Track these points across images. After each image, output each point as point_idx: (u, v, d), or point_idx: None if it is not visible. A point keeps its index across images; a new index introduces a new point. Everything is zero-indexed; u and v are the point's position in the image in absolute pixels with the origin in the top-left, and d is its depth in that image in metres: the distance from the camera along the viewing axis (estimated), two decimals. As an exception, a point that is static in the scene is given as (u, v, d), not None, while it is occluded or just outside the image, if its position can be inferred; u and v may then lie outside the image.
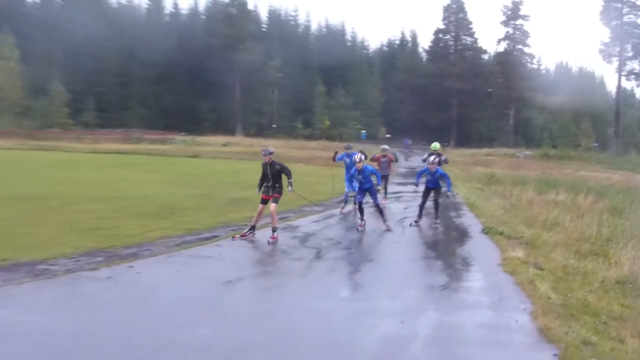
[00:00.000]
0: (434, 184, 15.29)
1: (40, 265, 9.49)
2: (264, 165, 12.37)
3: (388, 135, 70.14)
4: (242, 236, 12.40)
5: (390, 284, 9.46)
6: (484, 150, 69.30)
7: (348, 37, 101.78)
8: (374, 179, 15.40)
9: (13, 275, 8.85)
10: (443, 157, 18.47)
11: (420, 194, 16.00)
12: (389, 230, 14.07)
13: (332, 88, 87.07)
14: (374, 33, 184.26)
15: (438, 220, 15.41)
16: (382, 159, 19.43)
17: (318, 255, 11.20)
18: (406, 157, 53.71)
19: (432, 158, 15.55)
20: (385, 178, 19.00)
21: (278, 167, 12.26)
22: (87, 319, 7.12)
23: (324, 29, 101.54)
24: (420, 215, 15.27)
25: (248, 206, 12.05)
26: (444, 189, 15.39)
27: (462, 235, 14.36)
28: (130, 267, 9.62)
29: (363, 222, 14.24)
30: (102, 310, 7.50)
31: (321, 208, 17.85)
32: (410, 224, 15.05)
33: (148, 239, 11.99)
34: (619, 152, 65.69)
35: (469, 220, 16.62)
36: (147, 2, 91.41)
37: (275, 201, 12.34)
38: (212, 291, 8.53)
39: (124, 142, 55.11)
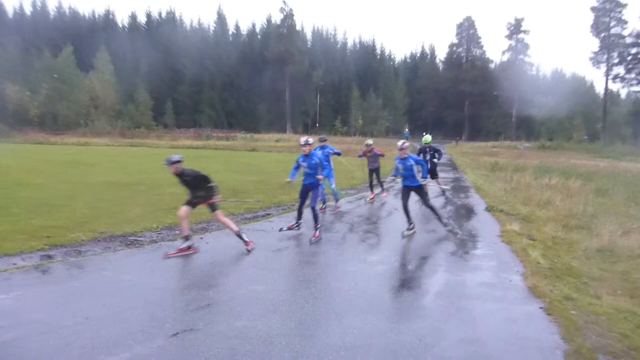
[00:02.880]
0: (412, 180, 10.82)
1: (131, 237, 9.85)
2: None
3: (407, 129, 69.59)
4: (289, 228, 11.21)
5: (408, 251, 9.58)
6: (491, 143, 68.31)
7: (378, 50, 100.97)
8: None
9: (110, 245, 9.22)
10: (438, 149, 15.85)
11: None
12: (317, 240, 9.87)
13: (365, 92, 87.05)
14: (399, 47, 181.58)
15: (448, 226, 11.21)
16: (369, 154, 15.47)
17: (351, 229, 11.34)
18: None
19: (400, 143, 10.78)
20: (375, 171, 15.62)
21: None
22: (168, 278, 7.44)
23: (358, 44, 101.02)
24: (409, 221, 10.89)
25: (296, 190, 12.11)
26: (427, 183, 11.23)
27: (469, 212, 14.29)
28: (201, 238, 9.92)
29: (294, 225, 10.66)
30: (178, 271, 7.81)
31: (355, 191, 17.94)
32: (403, 235, 10.60)
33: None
34: (605, 144, 64.02)
35: (475, 200, 16.50)
36: (215, 24, 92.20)
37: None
38: (266, 257, 8.74)
39: (196, 139, 55.90)
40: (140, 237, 9.90)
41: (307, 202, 10.56)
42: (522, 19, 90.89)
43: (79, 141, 48.25)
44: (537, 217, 13.29)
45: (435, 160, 15.70)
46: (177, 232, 10.29)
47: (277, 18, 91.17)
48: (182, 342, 5.16)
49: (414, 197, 11.17)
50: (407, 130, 71.20)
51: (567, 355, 5.07)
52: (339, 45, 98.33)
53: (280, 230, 10.78)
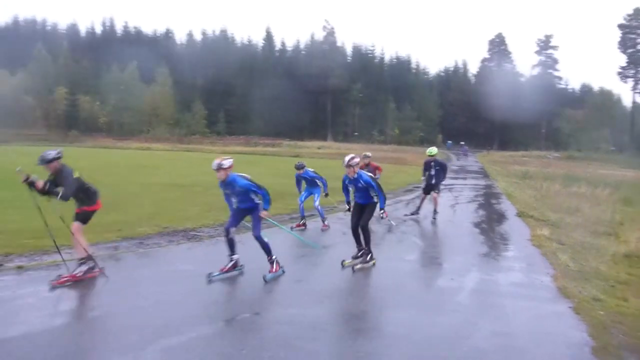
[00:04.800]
0: (365, 197, 8.07)
1: (191, 232, 10.17)
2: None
3: (462, 143, 67.94)
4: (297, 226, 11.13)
5: (443, 251, 9.58)
6: (520, 153, 66.88)
7: (413, 65, 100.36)
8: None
9: (173, 238, 9.55)
10: (445, 165, 13.51)
11: None
12: (276, 275, 7.20)
13: (401, 104, 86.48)
14: (433, 62, 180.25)
15: (358, 264, 7.83)
16: (365, 168, 12.04)
17: (389, 230, 11.39)
18: (457, 157, 52.98)
19: (348, 158, 7.87)
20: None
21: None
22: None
23: (395, 59, 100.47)
24: (358, 244, 8.17)
25: (335, 192, 12.16)
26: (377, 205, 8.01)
27: (501, 217, 14.12)
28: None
29: (231, 264, 7.31)
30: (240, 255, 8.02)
31: (392, 194, 17.94)
32: (342, 263, 7.91)
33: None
34: (633, 155, 61.85)
35: (506, 206, 16.27)
36: (263, 41, 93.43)
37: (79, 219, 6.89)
38: (312, 253, 8.89)
39: (245, 145, 56.70)
40: (199, 232, 10.21)
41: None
42: (552, 35, 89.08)
43: (141, 146, 49.66)
44: (566, 223, 13.04)
45: (440, 181, 13.20)
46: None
47: (320, 35, 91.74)
48: (241, 325, 5.34)
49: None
50: (449, 141, 70.42)
51: (595, 352, 5.02)
52: (376, 60, 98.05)
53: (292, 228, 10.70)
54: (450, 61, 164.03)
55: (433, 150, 13.41)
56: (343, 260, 7.95)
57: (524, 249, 9.85)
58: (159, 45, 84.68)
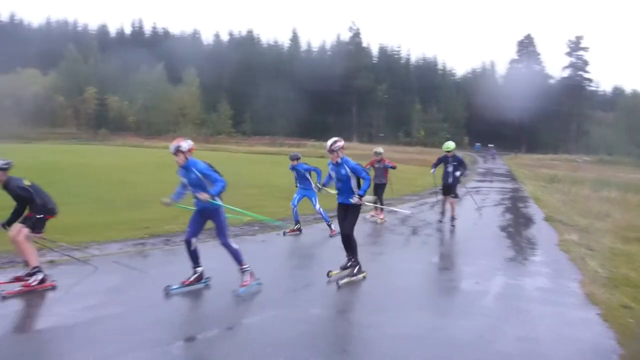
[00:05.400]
0: (347, 193, 7.11)
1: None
2: None
3: (491, 145, 66.89)
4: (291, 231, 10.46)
5: (468, 255, 9.49)
6: (549, 156, 65.77)
7: (439, 66, 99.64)
8: (313, 178, 10.25)
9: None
10: (462, 161, 12.32)
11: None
12: (249, 288, 6.38)
13: (427, 106, 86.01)
14: (460, 63, 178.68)
15: (345, 277, 6.96)
16: (377, 165, 12.47)
17: (414, 232, 11.35)
18: (485, 159, 52.55)
19: (331, 141, 7.06)
20: (381, 187, 12.33)
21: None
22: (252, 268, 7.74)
23: (421, 60, 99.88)
24: (349, 255, 7.26)
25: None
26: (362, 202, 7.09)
27: (528, 221, 13.92)
28: (278, 234, 10.24)
29: (195, 276, 6.52)
30: (260, 262, 8.09)
31: (417, 197, 17.85)
32: (329, 274, 7.10)
33: (289, 215, 12.59)
34: (665, 159, 60.29)
35: (533, 210, 16.03)
36: (289, 41, 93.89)
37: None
38: (336, 253, 8.91)
39: (270, 146, 57.06)
40: (224, 231, 10.31)
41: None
42: (582, 37, 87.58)
43: (168, 145, 50.32)
44: (595, 228, 12.78)
45: (458, 174, 12.04)
46: (256, 227, 10.65)
47: (345, 36, 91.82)
48: (280, 319, 5.40)
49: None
50: (477, 144, 69.66)
51: (623, 359, 4.93)
52: (402, 61, 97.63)
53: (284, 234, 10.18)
54: (478, 62, 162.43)
55: (450, 144, 12.24)
56: (329, 271, 7.12)
57: (552, 253, 9.70)
58: (186, 46, 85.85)
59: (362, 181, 7.02)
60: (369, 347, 4.89)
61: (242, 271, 6.46)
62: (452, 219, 12.14)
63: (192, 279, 6.45)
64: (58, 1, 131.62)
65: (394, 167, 12.63)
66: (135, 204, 12.83)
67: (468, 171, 12.68)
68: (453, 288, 7.23)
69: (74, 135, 55.61)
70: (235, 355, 4.62)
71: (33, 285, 6.04)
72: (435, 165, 12.38)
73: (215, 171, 6.48)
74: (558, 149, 79.59)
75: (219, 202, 6.35)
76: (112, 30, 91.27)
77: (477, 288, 7.10)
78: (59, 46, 71.98)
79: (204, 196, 6.09)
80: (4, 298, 5.74)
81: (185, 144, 6.33)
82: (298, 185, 10.73)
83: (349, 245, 7.10)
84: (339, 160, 7.01)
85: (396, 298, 6.48)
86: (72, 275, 6.83)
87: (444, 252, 9.63)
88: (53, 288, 6.20)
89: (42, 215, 6.31)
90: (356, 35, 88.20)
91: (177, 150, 6.29)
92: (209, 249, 7.87)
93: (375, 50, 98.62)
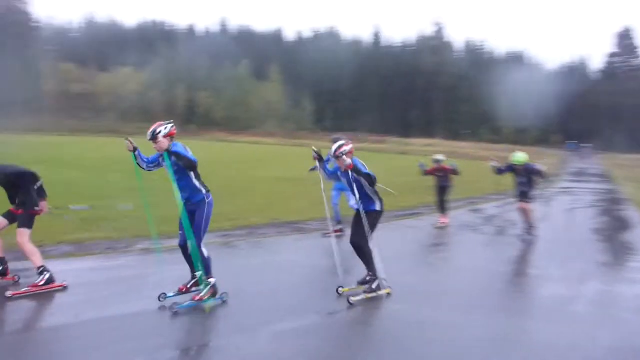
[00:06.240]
0: (363, 202, 6.11)
1: (300, 224, 10.58)
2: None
3: (586, 144, 63.08)
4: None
5: (558, 257, 9.08)
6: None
7: (528, 60, 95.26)
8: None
9: (282, 230, 10.00)
10: (538, 171, 10.19)
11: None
12: (204, 302, 5.46)
13: (514, 102, 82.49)
14: (551, 57, 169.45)
15: (361, 294, 5.90)
16: (439, 173, 11.63)
17: (499, 232, 11.03)
18: (578, 158, 49.85)
19: (335, 147, 6.18)
20: (443, 190, 11.53)
21: None
22: (328, 260, 7.88)
23: (507, 55, 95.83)
24: (369, 269, 6.13)
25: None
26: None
27: (625, 225, 13.06)
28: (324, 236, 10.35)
29: (194, 281, 5.80)
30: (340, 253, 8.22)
31: (504, 196, 17.26)
32: (338, 291, 6.10)
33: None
34: None
35: (631, 213, 15.01)
36: (372, 37, 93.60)
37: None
38: (417, 251, 8.89)
39: (352, 142, 57.13)
40: (307, 225, 10.59)
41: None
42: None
43: (253, 140, 51.98)
44: None
45: (525, 190, 10.11)
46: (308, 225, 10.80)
47: (429, 31, 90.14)
48: (342, 317, 5.51)
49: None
50: (571, 142, 66.21)
51: None
52: (488, 56, 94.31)
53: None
54: (570, 56, 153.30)
55: (520, 157, 10.10)
56: (339, 287, 6.11)
57: (653, 260, 9.07)
58: (270, 43, 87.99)
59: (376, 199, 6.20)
60: (451, 349, 4.85)
61: (205, 284, 5.55)
62: (529, 227, 10.12)
63: (189, 285, 5.77)
64: (151, 3, 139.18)
65: (456, 172, 11.55)
66: (223, 196, 13.37)
67: (544, 178, 10.83)
68: (540, 292, 6.97)
69: (166, 131, 58.76)
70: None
71: (41, 285, 5.75)
72: (502, 171, 10.43)
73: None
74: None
75: (202, 190, 5.63)
76: (200, 29, 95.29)
77: (567, 293, 6.79)
78: (152, 46, 76.30)
79: (162, 144, 5.37)
80: (10, 299, 5.49)
81: (164, 128, 5.44)
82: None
83: (362, 257, 6.11)
84: (345, 167, 6.03)
85: (480, 299, 6.36)
86: (163, 262, 7.30)
87: (530, 254, 9.26)
88: (64, 289, 5.90)
89: (34, 213, 5.92)
90: (440, 29, 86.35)
91: (155, 136, 5.36)
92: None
93: (460, 45, 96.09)
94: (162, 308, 5.33)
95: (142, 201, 5.29)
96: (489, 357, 4.68)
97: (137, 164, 5.58)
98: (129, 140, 5.45)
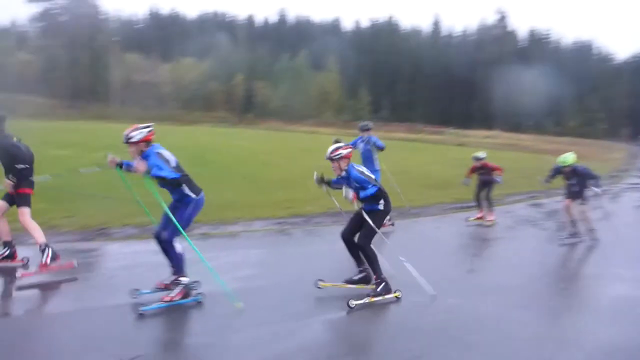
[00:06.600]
0: (366, 203, 5.87)
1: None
2: None
3: None
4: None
5: (624, 257, 8.61)
6: None
7: (596, 50, 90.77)
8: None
9: (338, 219, 9.93)
10: (591, 175, 9.29)
11: None
12: (158, 306, 5.01)
13: (580, 93, 78.96)
14: (621, 46, 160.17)
15: (365, 297, 5.47)
16: (480, 171, 10.91)
17: (561, 228, 10.61)
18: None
19: (330, 150, 5.90)
20: (487, 186, 10.77)
21: None
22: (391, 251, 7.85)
23: (574, 44, 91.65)
24: (356, 262, 5.98)
25: (505, 185, 11.51)
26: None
27: None
28: (415, 221, 10.24)
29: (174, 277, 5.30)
30: (395, 245, 8.17)
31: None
32: (318, 285, 5.78)
33: (427, 203, 12.50)
34: None
35: None
36: (431, 26, 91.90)
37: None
38: (475, 244, 8.71)
39: (408, 132, 56.59)
40: (362, 215, 10.55)
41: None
42: None
43: (309, 130, 52.33)
44: None
45: (577, 190, 9.22)
46: (394, 213, 10.69)
47: (491, 20, 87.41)
48: (394, 308, 5.47)
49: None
50: None
51: None
52: (553, 45, 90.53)
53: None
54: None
55: (567, 158, 9.25)
56: (318, 280, 5.82)
57: None
58: (328, 33, 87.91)
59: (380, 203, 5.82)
60: (509, 347, 4.74)
61: (175, 283, 5.24)
62: (590, 230, 9.24)
63: (169, 282, 5.35)
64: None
65: (498, 170, 10.82)
66: (279, 184, 13.60)
67: (599, 183, 9.41)
68: (605, 291, 6.66)
69: (224, 119, 59.97)
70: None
71: (47, 264, 5.86)
72: (551, 177, 9.66)
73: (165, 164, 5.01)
74: None
75: (191, 195, 5.22)
76: (259, 19, 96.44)
77: (634, 294, 6.45)
78: (212, 37, 77.99)
79: (140, 165, 4.89)
80: (19, 279, 5.70)
81: (137, 133, 5.08)
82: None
83: (366, 259, 5.77)
84: (343, 173, 5.87)
85: (540, 297, 6.17)
86: (221, 247, 7.49)
87: (596, 252, 8.84)
88: (72, 270, 6.05)
89: (29, 192, 6.04)
90: (503, 18, 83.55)
91: (127, 142, 5.08)
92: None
93: (523, 34, 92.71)
94: (217, 289, 5.40)
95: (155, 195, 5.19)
96: (550, 357, 4.53)
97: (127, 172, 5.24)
98: (113, 158, 5.21)
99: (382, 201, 5.80)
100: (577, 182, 9.15)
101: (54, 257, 5.92)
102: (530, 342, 4.76)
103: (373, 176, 6.04)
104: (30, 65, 57.19)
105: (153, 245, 5.34)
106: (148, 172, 4.85)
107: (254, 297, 5.46)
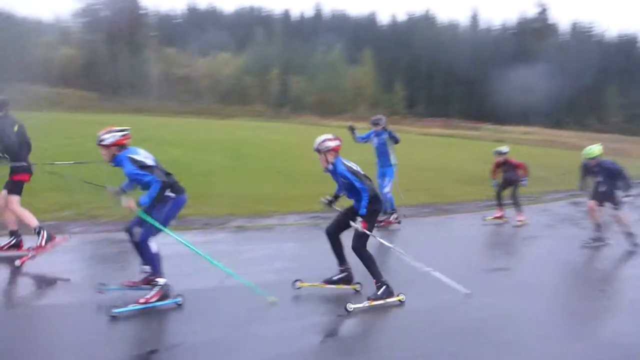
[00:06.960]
0: (356, 199, 5.62)
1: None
2: None
3: None
4: None
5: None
6: None
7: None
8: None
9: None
10: (618, 171, 8.41)
11: None
12: (131, 308, 4.69)
13: (626, 88, 76.34)
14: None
15: (364, 301, 5.22)
16: (503, 168, 10.33)
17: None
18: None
19: (318, 141, 5.65)
20: (512, 185, 10.22)
21: None
22: (412, 245, 7.78)
23: (618, 37, 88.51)
24: (339, 260, 5.79)
25: (544, 183, 11.32)
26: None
27: None
28: (450, 218, 10.14)
29: (145, 276, 5.17)
30: (425, 241, 8.11)
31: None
32: (295, 285, 5.61)
33: (463, 199, 12.37)
34: None
35: None
36: (469, 19, 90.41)
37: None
38: (510, 242, 8.59)
39: (444, 128, 55.92)
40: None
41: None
42: None
43: (341, 124, 52.26)
44: None
45: (604, 189, 8.46)
46: (428, 209, 10.64)
47: (532, 12, 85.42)
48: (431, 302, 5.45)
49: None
50: None
51: None
52: (596, 39, 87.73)
53: None
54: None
55: (593, 150, 8.49)
56: (296, 280, 5.63)
57: None
58: (363, 27, 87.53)
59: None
60: (544, 346, 4.67)
61: (151, 283, 4.97)
62: (630, 235, 8.52)
63: (139, 281, 5.19)
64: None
65: (522, 167, 10.28)
66: (314, 178, 13.60)
67: (630, 184, 8.45)
68: (631, 289, 6.50)
69: (260, 113, 60.49)
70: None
71: (43, 246, 5.98)
72: (583, 180, 9.00)
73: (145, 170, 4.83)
74: None
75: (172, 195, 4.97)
76: (295, 13, 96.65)
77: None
78: (248, 31, 78.60)
79: (129, 204, 4.79)
80: (18, 267, 5.76)
81: (110, 136, 4.86)
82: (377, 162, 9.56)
83: (363, 262, 5.46)
84: (329, 167, 5.57)
85: (576, 298, 6.05)
86: (257, 240, 7.59)
87: (636, 254, 8.54)
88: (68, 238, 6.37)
89: (22, 179, 6.10)
90: (544, 11, 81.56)
91: (99, 143, 4.87)
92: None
93: (565, 28, 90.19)
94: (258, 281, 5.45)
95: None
96: (588, 357, 4.44)
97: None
98: (114, 191, 5.15)
99: (373, 199, 5.42)
100: (605, 181, 8.38)
101: (50, 238, 6.05)
102: (565, 343, 4.68)
103: (362, 172, 5.62)
104: (73, 60, 58.85)
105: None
106: (139, 204, 4.75)
107: (286, 290, 5.50)
